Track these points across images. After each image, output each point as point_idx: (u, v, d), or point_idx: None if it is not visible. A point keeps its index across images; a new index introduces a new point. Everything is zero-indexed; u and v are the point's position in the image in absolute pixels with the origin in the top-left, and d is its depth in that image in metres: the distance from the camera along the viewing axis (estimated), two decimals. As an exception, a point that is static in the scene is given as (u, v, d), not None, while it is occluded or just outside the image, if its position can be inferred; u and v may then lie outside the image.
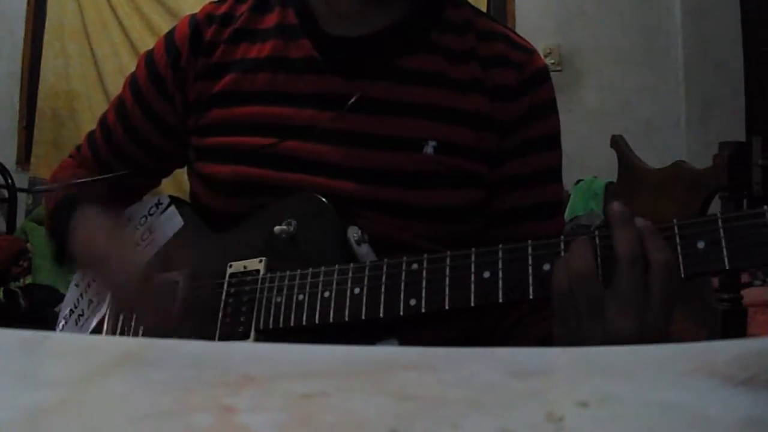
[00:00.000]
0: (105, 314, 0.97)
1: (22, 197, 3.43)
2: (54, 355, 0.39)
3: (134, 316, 0.90)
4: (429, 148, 0.85)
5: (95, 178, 0.98)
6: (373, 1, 0.89)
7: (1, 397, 0.31)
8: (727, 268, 0.60)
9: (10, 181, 3.38)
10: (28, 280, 2.76)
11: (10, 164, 3.47)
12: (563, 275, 0.64)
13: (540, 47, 2.54)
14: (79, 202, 0.93)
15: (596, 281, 0.63)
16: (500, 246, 0.70)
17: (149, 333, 0.90)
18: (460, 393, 0.32)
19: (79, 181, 0.96)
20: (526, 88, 0.89)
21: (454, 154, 0.86)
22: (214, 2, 0.97)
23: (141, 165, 1.01)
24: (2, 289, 2.55)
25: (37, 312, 2.38)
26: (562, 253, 0.67)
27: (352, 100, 0.85)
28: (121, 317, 0.95)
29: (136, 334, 0.93)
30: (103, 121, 1.03)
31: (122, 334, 0.95)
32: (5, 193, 3.43)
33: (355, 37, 0.89)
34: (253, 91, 0.90)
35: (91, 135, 1.04)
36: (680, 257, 0.62)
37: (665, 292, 0.62)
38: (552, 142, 0.92)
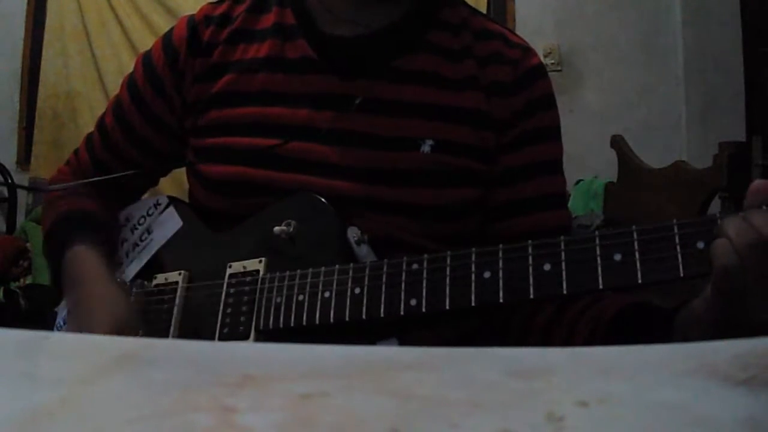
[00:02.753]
0: None
1: (22, 197, 3.43)
2: (54, 355, 0.39)
3: None
4: (426, 147, 0.85)
5: (94, 179, 0.98)
6: (370, 2, 0.89)
7: (1, 397, 0.31)
8: None
9: (10, 181, 3.38)
10: (28, 280, 2.76)
11: (10, 164, 3.47)
12: (731, 250, 0.60)
13: (540, 47, 2.54)
14: (71, 240, 0.93)
15: None
16: (500, 246, 0.70)
17: None
18: (460, 393, 0.32)
19: (80, 182, 0.96)
20: (522, 85, 0.89)
21: (451, 152, 0.86)
22: (212, 3, 0.97)
23: (139, 165, 1.01)
24: (2, 289, 2.55)
25: (37, 312, 2.38)
26: (559, 252, 0.67)
27: (357, 101, 0.85)
28: None
29: None
30: (100, 123, 1.03)
31: None
32: (5, 192, 3.43)
33: (352, 37, 0.89)
34: (250, 91, 0.90)
35: (89, 137, 1.05)
36: None
37: None
38: (549, 134, 0.91)
